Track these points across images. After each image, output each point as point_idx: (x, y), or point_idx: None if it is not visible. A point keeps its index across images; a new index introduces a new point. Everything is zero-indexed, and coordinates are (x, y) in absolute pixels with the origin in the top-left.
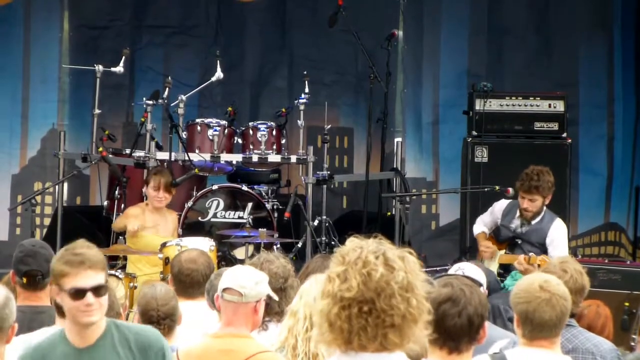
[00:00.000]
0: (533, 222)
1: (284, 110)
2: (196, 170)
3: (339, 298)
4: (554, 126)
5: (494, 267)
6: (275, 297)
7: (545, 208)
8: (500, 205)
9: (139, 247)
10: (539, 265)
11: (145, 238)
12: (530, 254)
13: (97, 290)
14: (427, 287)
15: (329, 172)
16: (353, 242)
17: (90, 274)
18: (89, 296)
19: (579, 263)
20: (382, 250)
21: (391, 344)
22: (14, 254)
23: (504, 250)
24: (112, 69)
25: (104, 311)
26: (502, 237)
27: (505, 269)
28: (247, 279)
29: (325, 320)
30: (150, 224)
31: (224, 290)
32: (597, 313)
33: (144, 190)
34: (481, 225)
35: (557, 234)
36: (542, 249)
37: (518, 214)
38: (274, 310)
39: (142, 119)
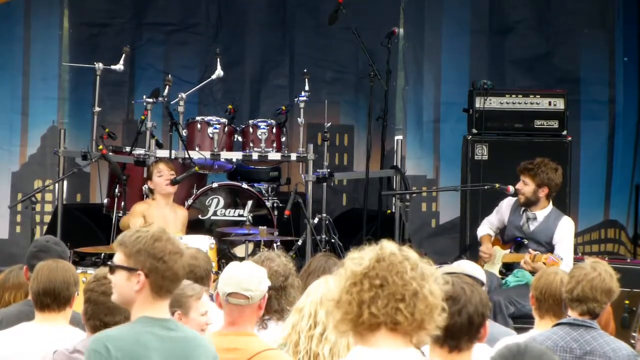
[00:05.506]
0: (540, 219)
1: (284, 108)
2: (196, 168)
3: (350, 274)
4: (554, 124)
5: (496, 268)
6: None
7: (552, 207)
8: (507, 202)
9: None
10: (544, 264)
11: None
12: (536, 252)
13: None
14: (441, 287)
15: (329, 170)
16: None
17: None
18: None
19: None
20: (397, 245)
21: (402, 318)
22: (29, 250)
23: (508, 250)
24: (112, 66)
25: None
26: (509, 237)
27: (508, 268)
28: (252, 281)
29: (334, 302)
30: (159, 219)
31: (229, 294)
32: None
33: (149, 185)
34: (486, 227)
35: (564, 232)
36: (549, 248)
37: (522, 208)
38: (273, 308)
39: (142, 117)
